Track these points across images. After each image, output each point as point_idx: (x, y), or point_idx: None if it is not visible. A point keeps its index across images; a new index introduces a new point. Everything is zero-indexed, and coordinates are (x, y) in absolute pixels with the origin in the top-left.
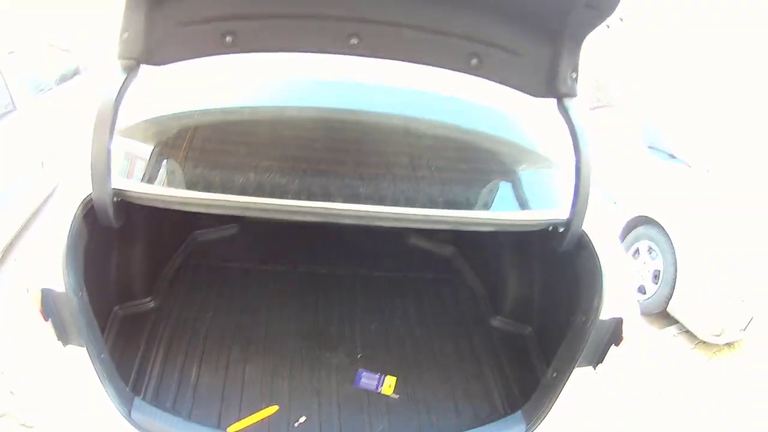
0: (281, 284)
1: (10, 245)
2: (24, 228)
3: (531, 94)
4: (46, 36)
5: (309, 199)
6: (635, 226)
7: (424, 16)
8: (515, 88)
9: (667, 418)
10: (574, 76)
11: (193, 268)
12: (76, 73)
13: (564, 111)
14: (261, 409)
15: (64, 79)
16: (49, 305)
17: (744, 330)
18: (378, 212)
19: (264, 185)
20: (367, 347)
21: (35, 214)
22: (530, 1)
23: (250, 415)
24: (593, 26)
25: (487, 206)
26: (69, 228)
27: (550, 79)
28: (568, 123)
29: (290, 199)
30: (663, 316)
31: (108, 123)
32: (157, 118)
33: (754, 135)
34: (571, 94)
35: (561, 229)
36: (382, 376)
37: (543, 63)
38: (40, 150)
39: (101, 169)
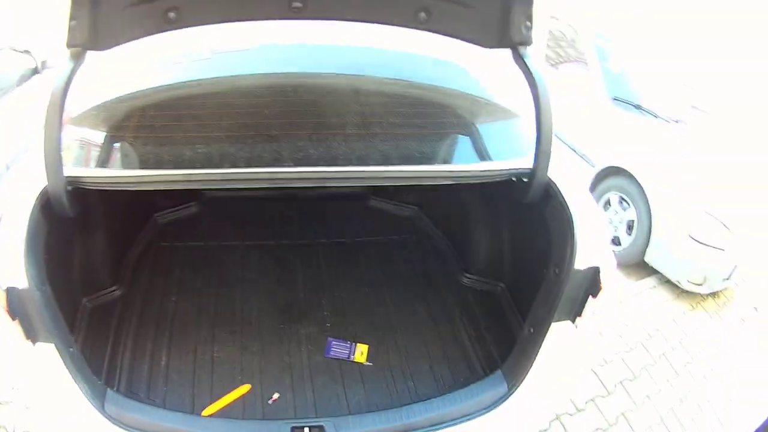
0: (244, 260)
1: None
2: None
3: (484, 46)
4: (5, 39)
5: (262, 166)
6: (604, 178)
7: None
8: (467, 41)
9: (648, 371)
10: (529, 24)
11: (155, 251)
12: (35, 72)
13: (520, 60)
14: (233, 390)
15: (24, 79)
16: (15, 303)
17: (728, 279)
18: (333, 172)
19: (214, 156)
20: (336, 316)
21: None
22: None
23: (222, 396)
24: None
25: (446, 160)
26: (27, 222)
27: (503, 29)
28: (524, 71)
29: (243, 167)
30: (640, 267)
31: (57, 112)
32: (107, 102)
33: (720, 81)
34: (527, 43)
35: (525, 179)
36: (353, 344)
37: (495, 13)
38: (5, 153)
39: (54, 159)
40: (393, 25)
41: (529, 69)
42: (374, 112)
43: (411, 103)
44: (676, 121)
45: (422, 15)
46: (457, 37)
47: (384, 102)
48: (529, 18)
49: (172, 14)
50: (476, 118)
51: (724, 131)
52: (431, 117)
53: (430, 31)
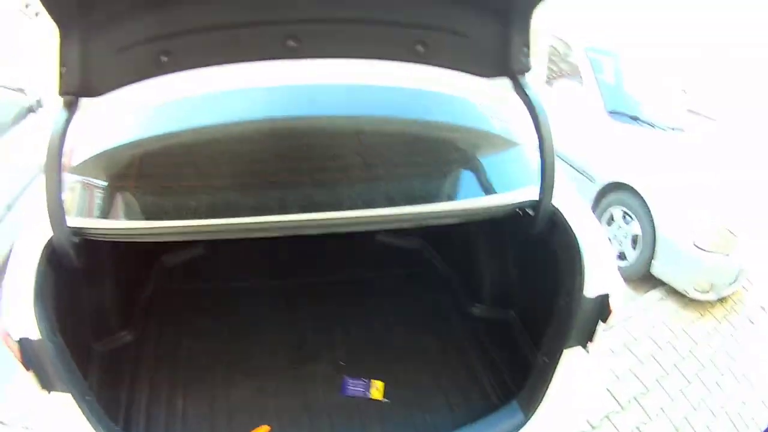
0: (254, 301)
1: None
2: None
3: (483, 76)
4: None
5: (266, 213)
6: (606, 194)
7: (362, 8)
8: (466, 72)
9: (660, 383)
10: (526, 51)
11: (164, 293)
12: (30, 110)
13: (519, 89)
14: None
15: (19, 118)
16: (28, 354)
17: (734, 283)
18: (339, 218)
19: (218, 205)
20: (349, 353)
21: (6, 258)
22: None
23: None
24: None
25: (451, 197)
26: (35, 273)
27: (501, 58)
28: (524, 100)
29: (247, 216)
30: (646, 280)
31: (56, 162)
32: (107, 150)
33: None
34: (525, 70)
35: (531, 211)
36: (368, 381)
37: (492, 42)
38: (5, 193)
39: (56, 210)
40: (391, 60)
41: (529, 98)
42: (376, 152)
43: (412, 140)
44: (673, 129)
45: (420, 48)
46: (455, 69)
47: (385, 141)
48: (527, 45)
49: (164, 58)
50: (478, 151)
51: (722, 135)
52: (433, 153)
53: (428, 64)
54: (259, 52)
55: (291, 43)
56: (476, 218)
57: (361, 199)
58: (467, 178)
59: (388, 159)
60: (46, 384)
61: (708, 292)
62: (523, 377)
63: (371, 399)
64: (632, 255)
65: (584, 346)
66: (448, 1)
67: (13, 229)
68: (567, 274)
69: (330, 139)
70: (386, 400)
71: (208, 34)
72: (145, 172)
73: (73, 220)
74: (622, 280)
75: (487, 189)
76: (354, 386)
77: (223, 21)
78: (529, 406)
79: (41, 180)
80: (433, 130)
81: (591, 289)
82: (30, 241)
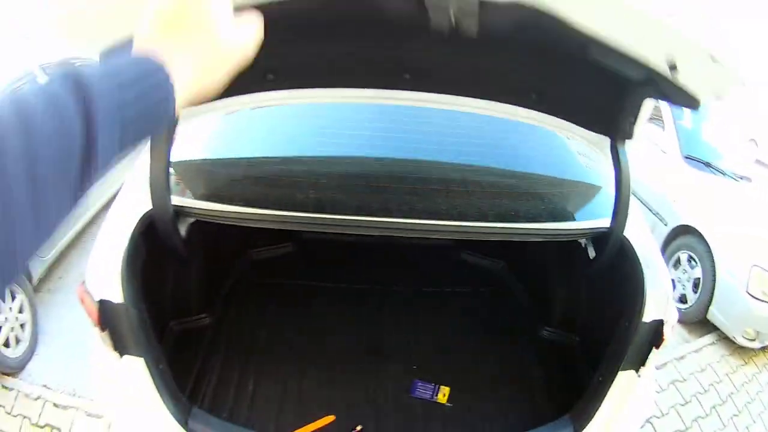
0: (335, 301)
1: (57, 261)
2: (69, 245)
3: (586, 128)
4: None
5: (372, 215)
6: (676, 236)
7: (488, 57)
8: (572, 122)
9: (699, 423)
10: (633, 120)
11: (248, 285)
12: None
13: (614, 150)
14: (317, 419)
15: None
16: (107, 316)
17: None
18: (434, 225)
19: (323, 202)
20: (421, 359)
21: (81, 230)
22: (604, 63)
23: (306, 425)
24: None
25: (536, 220)
26: (128, 242)
27: (607, 120)
28: (614, 162)
29: (353, 215)
30: (703, 324)
31: (163, 152)
32: (216, 152)
33: None
34: (627, 138)
35: (592, 250)
36: (437, 386)
37: (603, 105)
38: None
39: (161, 188)
40: (502, 102)
41: (619, 163)
42: (472, 173)
43: (505, 168)
44: (741, 179)
45: (533, 95)
46: (562, 118)
47: (481, 166)
48: (635, 117)
49: (270, 76)
50: (563, 185)
51: None
52: (524, 179)
53: (537, 111)
54: (372, 82)
55: (406, 75)
56: (557, 239)
57: (457, 212)
58: (552, 207)
59: (483, 181)
60: (120, 347)
61: (754, 340)
62: (578, 397)
63: (435, 402)
64: (692, 298)
65: (637, 371)
66: (574, 62)
67: (87, 203)
68: (630, 299)
69: (432, 158)
70: (449, 404)
71: (320, 60)
72: (252, 165)
73: (175, 199)
74: (676, 310)
75: (567, 218)
76: (423, 389)
77: (341, 51)
78: (581, 422)
79: (139, 159)
80: (525, 162)
81: (648, 315)
82: (125, 212)
